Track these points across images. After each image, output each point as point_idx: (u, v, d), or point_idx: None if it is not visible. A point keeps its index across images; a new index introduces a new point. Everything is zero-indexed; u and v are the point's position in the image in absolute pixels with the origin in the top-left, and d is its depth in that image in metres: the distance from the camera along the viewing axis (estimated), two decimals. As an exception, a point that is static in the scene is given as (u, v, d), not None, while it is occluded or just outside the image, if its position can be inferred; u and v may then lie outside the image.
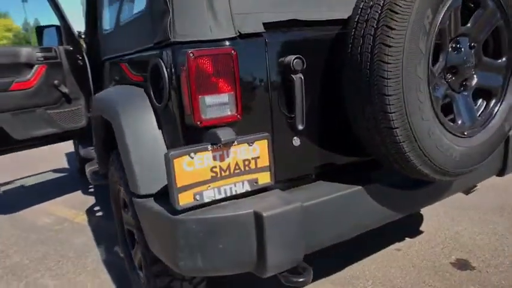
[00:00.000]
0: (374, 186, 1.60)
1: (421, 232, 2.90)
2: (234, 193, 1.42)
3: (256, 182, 1.47)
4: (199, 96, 1.32)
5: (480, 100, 1.66)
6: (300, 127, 1.51)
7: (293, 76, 1.45)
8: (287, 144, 1.54)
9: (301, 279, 1.49)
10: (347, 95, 1.45)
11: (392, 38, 1.25)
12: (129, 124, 1.59)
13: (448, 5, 1.37)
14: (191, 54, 1.28)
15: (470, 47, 1.53)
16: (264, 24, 1.42)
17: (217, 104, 1.36)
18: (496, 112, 1.64)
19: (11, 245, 3.20)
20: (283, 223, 1.35)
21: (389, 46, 1.26)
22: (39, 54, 3.15)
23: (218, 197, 1.40)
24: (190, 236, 1.35)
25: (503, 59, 1.64)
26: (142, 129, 1.57)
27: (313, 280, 2.30)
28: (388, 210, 1.65)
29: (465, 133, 1.53)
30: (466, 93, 1.56)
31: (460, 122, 1.55)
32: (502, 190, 3.49)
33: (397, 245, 2.73)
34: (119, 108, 1.66)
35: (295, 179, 1.62)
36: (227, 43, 1.36)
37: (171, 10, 1.37)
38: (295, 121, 1.50)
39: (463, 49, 1.50)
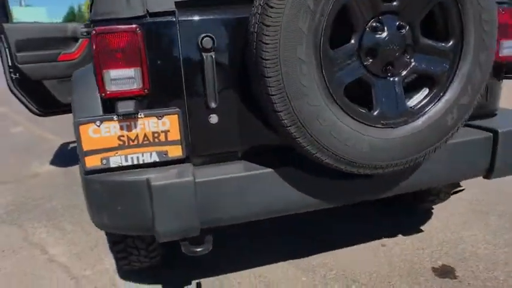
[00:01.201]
0: (290, 171, 1.55)
1: (420, 231, 2.66)
2: (141, 162, 1.53)
3: (166, 154, 1.56)
4: (104, 70, 1.44)
5: (421, 88, 1.46)
6: (213, 105, 1.54)
7: (203, 54, 1.48)
8: (203, 121, 1.58)
9: (198, 249, 1.57)
10: (249, 76, 1.42)
11: (270, 16, 1.19)
12: (77, 91, 1.80)
13: None
14: (94, 32, 1.40)
15: (400, 27, 1.35)
16: (176, 3, 1.46)
17: (123, 78, 1.46)
18: (436, 102, 1.43)
19: (57, 192, 3.79)
20: (171, 194, 1.43)
21: (268, 26, 1.20)
22: (84, 30, 3.58)
23: (125, 163, 1.53)
24: (96, 195, 1.52)
25: (451, 42, 1.41)
26: (86, 97, 1.76)
27: (279, 261, 2.37)
28: (308, 198, 1.59)
29: (384, 123, 1.38)
30: (392, 79, 1.39)
31: (378, 110, 1.40)
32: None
33: (385, 239, 2.57)
34: (77, 78, 1.89)
35: (216, 156, 1.66)
36: (133, 21, 1.44)
37: None
38: (207, 99, 1.53)
39: (386, 30, 1.33)
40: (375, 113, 1.39)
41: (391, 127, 1.39)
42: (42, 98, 3.58)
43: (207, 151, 1.63)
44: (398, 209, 2.91)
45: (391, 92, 1.39)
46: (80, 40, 3.58)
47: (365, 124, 1.36)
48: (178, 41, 1.49)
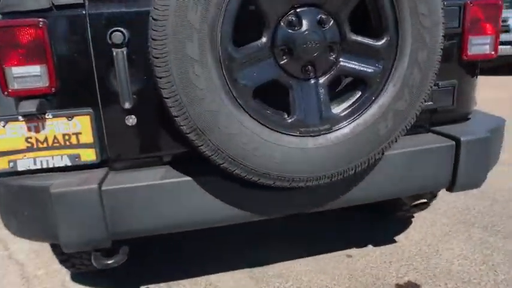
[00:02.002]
0: (213, 180, 1.41)
1: (394, 241, 2.46)
2: (51, 166, 1.43)
3: (78, 158, 1.45)
4: (5, 67, 1.34)
5: (350, 91, 1.28)
6: (127, 105, 1.41)
7: (114, 50, 1.35)
8: (120, 123, 1.46)
9: (109, 261, 1.46)
10: None
11: (157, 9, 1.05)
12: None
13: None
14: None
15: (322, 22, 1.17)
16: None
17: (27, 75, 1.35)
18: (367, 108, 1.24)
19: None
20: (72, 202, 1.32)
21: (155, 20, 1.06)
22: None
23: (34, 167, 1.42)
24: (2, 198, 1.43)
25: (384, 39, 1.21)
26: None
27: (235, 269, 2.24)
28: (235, 209, 1.44)
29: (302, 131, 1.22)
30: (314, 81, 1.22)
31: (294, 116, 1.23)
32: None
33: (353, 250, 2.39)
34: None
35: (138, 160, 1.53)
36: (37, 14, 1.32)
37: None
38: (121, 99, 1.41)
39: (305, 24, 1.16)
40: (291, 120, 1.22)
41: (311, 135, 1.22)
42: None
43: (127, 155, 1.51)
44: (377, 216, 2.72)
45: (312, 96, 1.22)
46: None
47: (278, 132, 1.20)
48: (88, 35, 1.37)
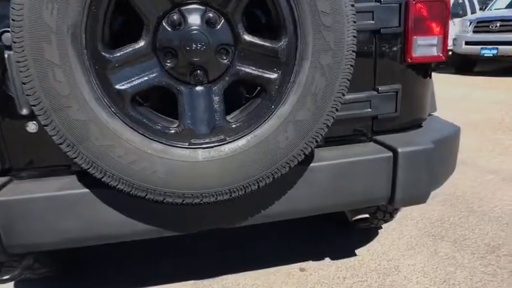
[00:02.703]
0: (114, 193, 1.30)
1: (353, 254, 2.32)
2: None
3: (-24, 167, 1.37)
4: None
5: (247, 99, 1.15)
6: (24, 111, 1.31)
7: (6, 52, 1.25)
8: (20, 130, 1.37)
9: (4, 277, 1.37)
10: None
11: (13, 8, 0.95)
12: None
13: None
14: None
15: (210, 21, 1.05)
16: None
17: None
18: (265, 118, 1.11)
19: None
20: None
21: (13, 20, 0.96)
22: None
23: None
24: None
25: (282, 41, 1.08)
26: None
27: (179, 280, 2.13)
28: (139, 224, 1.34)
29: (192, 142, 1.10)
30: (204, 87, 1.09)
31: (181, 126, 1.10)
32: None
33: (308, 263, 2.25)
34: None
35: (43, 169, 1.43)
36: None
37: None
38: (18, 104, 1.31)
39: (190, 24, 1.04)
40: (179, 130, 1.10)
41: (201, 148, 1.10)
42: None
43: (30, 164, 1.41)
44: (342, 225, 2.58)
45: (203, 104, 1.10)
46: None
47: (162, 143, 1.08)
48: None
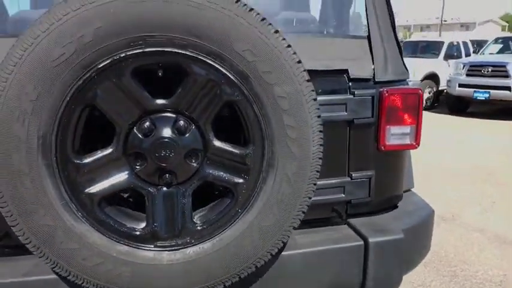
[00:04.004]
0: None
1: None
2: None
3: None
4: None
5: (215, 202, 1.18)
6: None
7: None
8: None
9: None
10: None
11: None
12: None
13: (72, 82, 0.97)
14: None
15: (180, 129, 1.08)
16: None
17: None
18: (232, 221, 1.13)
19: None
20: None
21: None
22: None
23: None
24: None
25: (250, 149, 1.12)
26: None
27: None
28: None
29: (157, 244, 1.11)
30: (172, 190, 1.11)
31: (148, 228, 1.11)
32: None
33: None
34: None
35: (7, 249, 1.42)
36: None
37: None
38: None
39: (160, 131, 1.07)
40: (145, 232, 1.12)
41: (167, 250, 1.11)
42: None
43: None
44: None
45: (170, 205, 1.12)
46: None
47: (128, 245, 1.10)
48: None
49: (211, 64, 1.03)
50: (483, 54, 10.47)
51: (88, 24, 0.95)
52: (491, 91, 8.59)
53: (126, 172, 1.11)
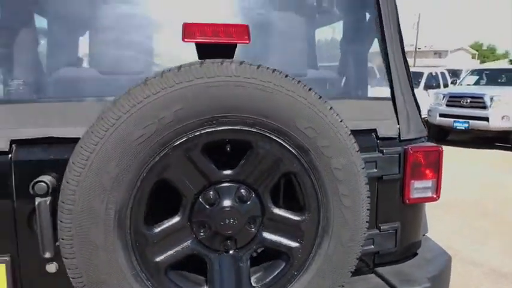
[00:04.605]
0: None
1: None
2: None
3: (-9, 307, 1.37)
4: None
5: (272, 266, 1.24)
6: (48, 255, 1.35)
7: (37, 199, 1.31)
8: (39, 271, 1.39)
9: None
10: None
11: (64, 196, 1.03)
12: None
13: (153, 157, 1.04)
14: None
15: (242, 198, 1.16)
16: (13, 141, 1.32)
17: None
18: (289, 285, 1.19)
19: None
20: None
21: (63, 202, 1.04)
22: None
23: None
24: None
25: (306, 215, 1.20)
26: None
27: None
28: None
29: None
30: (233, 254, 1.18)
31: None
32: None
33: None
34: None
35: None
36: None
37: None
38: (43, 248, 1.35)
39: (224, 200, 1.15)
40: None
41: (226, 314, 1.17)
42: None
43: None
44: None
45: (228, 270, 1.18)
46: None
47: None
48: (11, 181, 1.33)
49: (274, 139, 1.12)
50: (461, 85, 11.02)
51: (169, 106, 1.03)
52: (471, 121, 9.01)
53: (191, 239, 1.16)
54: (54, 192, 1.32)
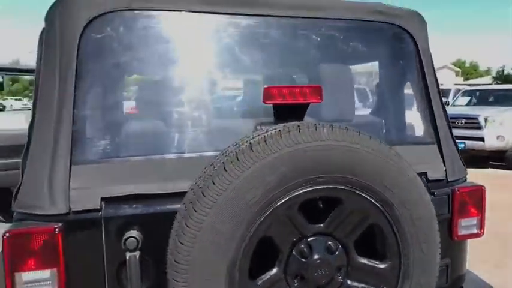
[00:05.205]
0: None
1: None
2: None
3: None
4: (15, 273, 1.34)
5: None
6: None
7: (127, 254, 1.38)
8: None
9: None
10: None
11: (180, 254, 1.12)
12: None
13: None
14: (7, 234, 1.32)
15: (330, 249, 1.27)
16: (102, 198, 1.40)
17: (36, 280, 1.36)
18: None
19: None
20: None
21: (178, 262, 1.13)
22: None
23: None
24: None
25: (388, 263, 1.31)
26: None
27: None
28: None
29: None
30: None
31: None
32: None
33: None
34: None
35: None
36: (53, 220, 1.36)
37: (20, 177, 1.45)
38: None
39: (315, 253, 1.25)
40: None
41: None
42: (9, 206, 3.50)
43: None
44: None
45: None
46: None
47: None
48: (102, 238, 1.41)
49: (362, 195, 1.24)
50: (454, 106, 11.35)
51: (274, 171, 1.13)
52: (467, 141, 9.25)
53: (288, 289, 1.25)
54: (144, 246, 1.40)
